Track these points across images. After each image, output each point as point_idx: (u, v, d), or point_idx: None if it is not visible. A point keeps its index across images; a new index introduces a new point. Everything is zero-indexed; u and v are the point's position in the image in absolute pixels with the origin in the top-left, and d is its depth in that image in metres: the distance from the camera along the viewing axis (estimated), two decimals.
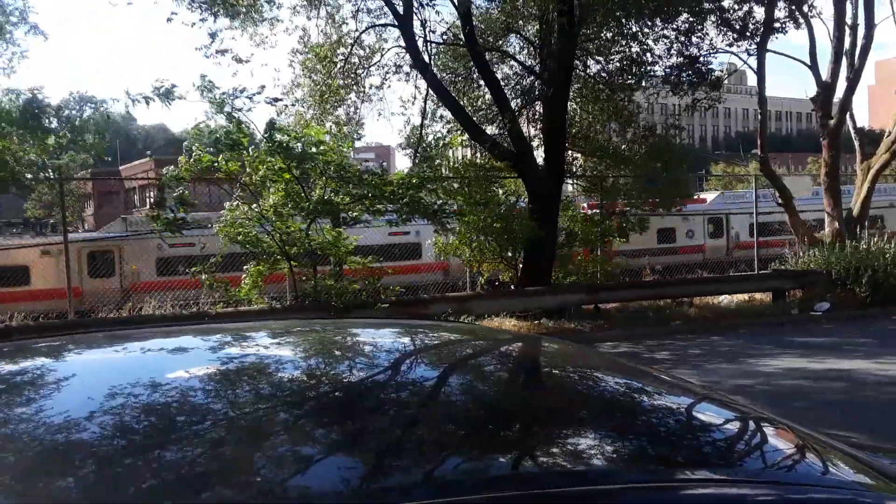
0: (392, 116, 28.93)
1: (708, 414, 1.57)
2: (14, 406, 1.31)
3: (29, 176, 12.22)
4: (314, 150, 11.08)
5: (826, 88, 16.54)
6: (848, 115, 17.29)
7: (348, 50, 14.89)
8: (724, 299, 14.73)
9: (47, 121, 10.46)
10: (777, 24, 16.07)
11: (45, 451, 1.09)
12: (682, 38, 14.84)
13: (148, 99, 10.47)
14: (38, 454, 1.08)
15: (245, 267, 11.45)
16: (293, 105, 14.66)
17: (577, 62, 14.60)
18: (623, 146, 15.94)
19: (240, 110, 10.92)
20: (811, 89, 16.75)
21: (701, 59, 15.23)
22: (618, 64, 15.24)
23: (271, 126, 11.08)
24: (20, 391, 1.43)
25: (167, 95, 10.51)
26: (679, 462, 1.24)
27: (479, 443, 1.21)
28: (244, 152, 10.96)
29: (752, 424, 1.56)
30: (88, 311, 13.52)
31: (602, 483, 1.06)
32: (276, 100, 12.93)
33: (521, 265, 13.78)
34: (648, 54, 14.81)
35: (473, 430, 1.27)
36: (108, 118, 11.45)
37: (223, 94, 10.91)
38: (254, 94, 11.04)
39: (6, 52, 12.53)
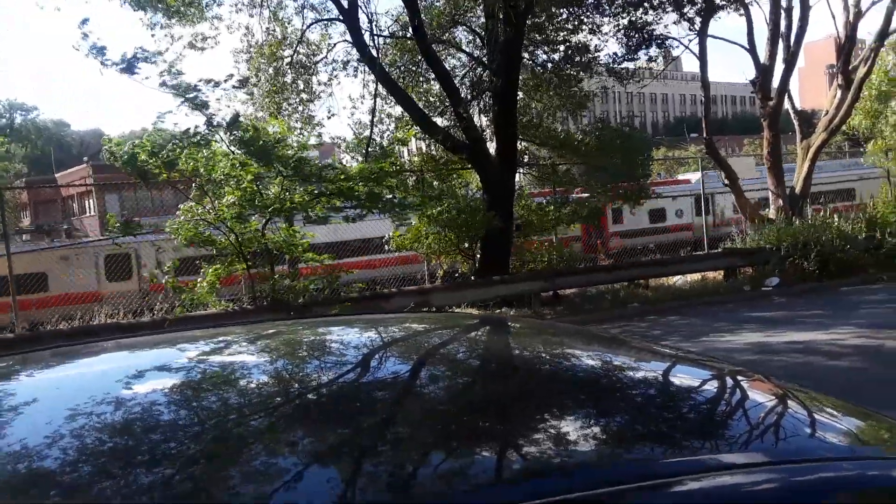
0: (342, 111, 28.57)
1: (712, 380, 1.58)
2: None
3: None
4: (275, 146, 10.86)
5: (765, 71, 16.99)
6: (786, 97, 17.80)
7: (294, 47, 14.67)
8: (679, 279, 15.04)
9: None
10: (719, 2, 16.42)
11: (5, 481, 1.00)
12: (626, 21, 15.07)
13: (117, 64, 10.17)
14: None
15: (201, 270, 11.17)
16: (244, 103, 14.38)
17: (525, 52, 14.67)
18: (576, 135, 16.10)
19: (200, 104, 10.62)
20: (747, 73, 17.23)
21: (644, 33, 15.51)
22: (564, 52, 15.38)
23: (235, 120, 10.81)
24: None
25: (129, 69, 10.24)
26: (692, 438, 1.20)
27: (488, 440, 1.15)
28: (203, 149, 10.67)
29: (765, 389, 1.56)
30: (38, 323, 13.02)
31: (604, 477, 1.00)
32: (244, 82, 12.61)
33: (478, 256, 13.81)
34: (593, 40, 15.02)
35: (478, 426, 1.21)
36: (41, 126, 11.06)
37: (186, 85, 10.64)
38: (219, 83, 10.78)
39: None
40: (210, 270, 10.89)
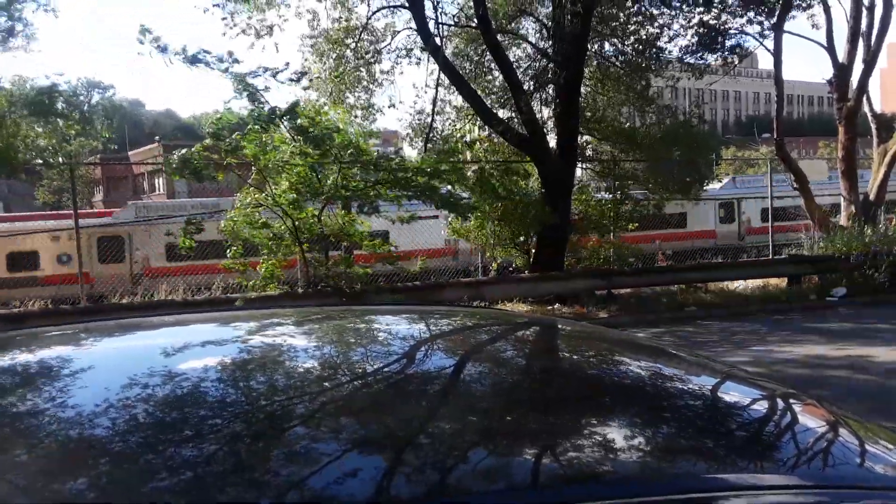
0: (404, 101, 28.75)
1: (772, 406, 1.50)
2: (29, 398, 1.26)
3: (40, 161, 12.20)
4: (334, 134, 10.97)
5: (842, 70, 16.33)
6: (864, 98, 17.06)
7: (359, 33, 14.75)
8: (739, 285, 14.61)
9: (59, 106, 10.44)
10: (797, 1, 15.85)
11: (61, 445, 1.04)
12: (699, 16, 14.66)
13: (178, 54, 10.47)
14: (55, 449, 1.04)
15: (263, 255, 11.38)
16: (306, 89, 14.53)
17: (591, 44, 14.42)
18: (640, 130, 15.74)
19: (263, 90, 10.83)
20: (824, 72, 16.59)
21: (718, 30, 15.06)
22: (633, 45, 15.06)
23: (293, 108, 10.96)
24: (37, 382, 1.37)
25: (193, 61, 10.54)
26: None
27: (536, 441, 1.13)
28: (265, 135, 10.86)
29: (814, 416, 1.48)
30: (100, 297, 13.51)
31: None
32: (303, 74, 12.79)
33: (533, 250, 13.69)
34: (665, 34, 14.65)
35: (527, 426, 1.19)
36: (117, 105, 11.49)
37: (246, 73, 10.86)
38: (278, 72, 10.96)
39: (17, 34, 12.35)
40: (266, 262, 11.05)
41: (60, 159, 13.08)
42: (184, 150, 10.86)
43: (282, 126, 11.07)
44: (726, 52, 15.86)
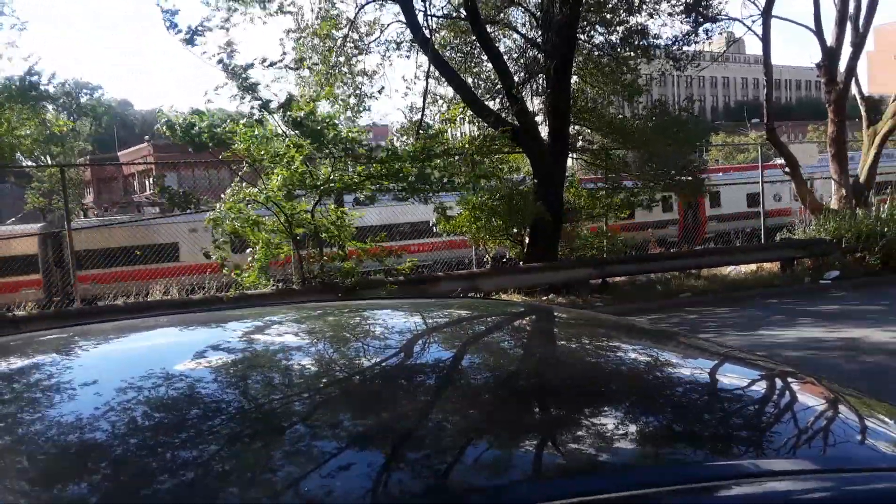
0: (394, 94, 28.59)
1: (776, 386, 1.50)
2: (26, 404, 1.25)
3: (30, 163, 12.12)
4: (327, 126, 10.95)
5: (831, 54, 16.35)
6: (853, 81, 17.11)
7: (347, 26, 14.67)
8: (733, 270, 14.66)
9: (45, 89, 10.40)
10: None
11: (60, 451, 1.04)
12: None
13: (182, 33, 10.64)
14: (54, 454, 1.03)
15: (248, 250, 11.35)
16: (296, 85, 14.46)
17: (581, 34, 14.40)
18: (632, 120, 15.72)
19: (251, 81, 10.83)
20: (813, 56, 16.63)
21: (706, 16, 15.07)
22: (622, 34, 15.03)
23: (289, 102, 10.95)
24: (33, 388, 1.35)
25: (190, 40, 10.60)
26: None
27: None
28: (257, 129, 10.83)
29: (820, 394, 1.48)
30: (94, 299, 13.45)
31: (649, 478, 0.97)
32: (300, 62, 12.82)
33: (527, 241, 13.69)
34: (652, 23, 14.62)
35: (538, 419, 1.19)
36: (105, 105, 11.53)
37: (242, 65, 10.88)
38: (273, 63, 10.98)
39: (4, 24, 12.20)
40: (258, 254, 11.03)
41: (49, 160, 13.01)
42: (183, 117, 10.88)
43: (273, 119, 11.04)
44: (711, 35, 15.86)
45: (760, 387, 1.48)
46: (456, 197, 12.92)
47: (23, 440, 1.08)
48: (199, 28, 11.13)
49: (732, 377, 1.51)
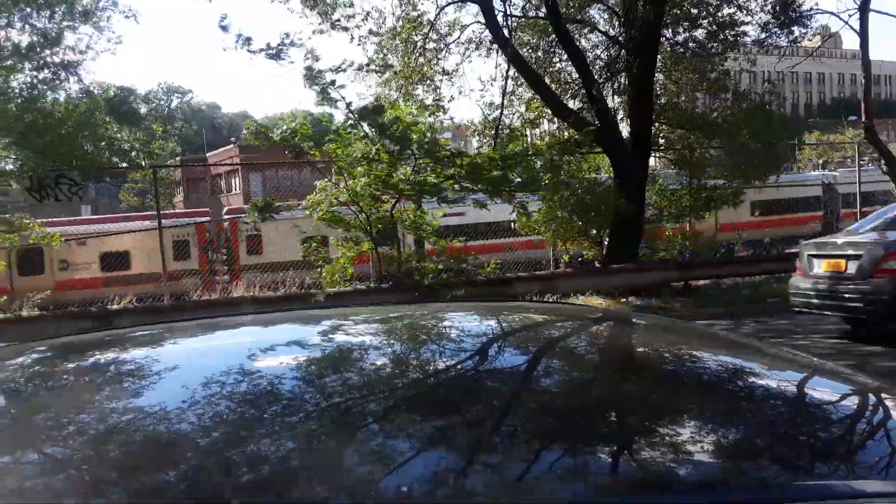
0: (471, 93, 28.71)
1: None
2: (116, 397, 1.29)
3: (125, 165, 12.75)
4: (409, 129, 11.12)
5: None
6: None
7: (428, 28, 14.77)
8: None
9: (141, 110, 10.97)
10: None
11: (148, 442, 1.07)
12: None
13: (264, 50, 10.88)
14: (142, 446, 1.06)
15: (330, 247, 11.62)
16: (379, 87, 14.69)
17: (664, 29, 14.05)
18: (715, 116, 15.23)
19: (336, 86, 11.12)
20: None
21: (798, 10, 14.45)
22: (707, 29, 14.59)
23: (377, 109, 11.19)
24: (125, 382, 1.41)
25: (278, 55, 10.95)
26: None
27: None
28: (342, 134, 11.12)
29: None
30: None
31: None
32: (387, 66, 13.11)
33: (605, 242, 13.46)
34: (741, 14, 14.11)
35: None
36: (195, 108, 12.11)
37: (322, 71, 11.19)
38: (358, 69, 11.22)
39: (100, 40, 12.81)
40: (342, 258, 11.26)
41: (143, 162, 13.63)
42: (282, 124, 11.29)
43: (361, 125, 11.28)
44: (806, 34, 15.18)
45: (851, 402, 1.39)
46: (536, 196, 12.83)
47: (108, 431, 1.12)
48: (283, 45, 11.43)
49: (821, 391, 1.43)
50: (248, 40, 11.29)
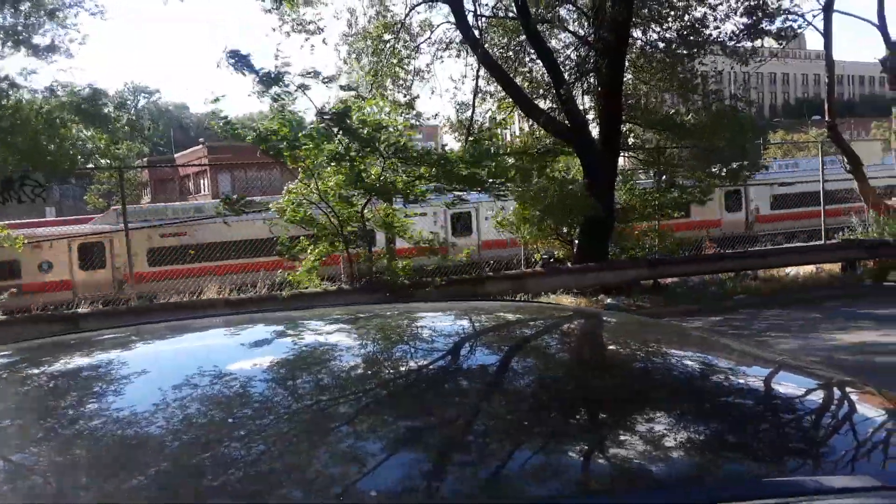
0: (444, 93, 28.58)
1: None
2: (84, 402, 1.28)
3: (90, 166, 12.55)
4: (379, 133, 11.11)
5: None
6: None
7: (398, 28, 14.75)
8: (791, 271, 14.24)
9: (106, 111, 10.77)
10: None
11: (117, 447, 1.06)
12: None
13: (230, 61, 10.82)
14: (111, 450, 1.05)
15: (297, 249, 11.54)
16: (347, 89, 14.62)
17: (634, 30, 14.17)
18: (685, 117, 15.39)
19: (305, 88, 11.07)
20: (876, 51, 16.07)
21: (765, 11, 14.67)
22: (677, 30, 14.74)
23: (345, 112, 11.13)
24: (91, 387, 1.39)
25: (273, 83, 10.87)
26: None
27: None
28: (313, 136, 11.06)
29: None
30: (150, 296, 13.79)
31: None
32: (349, 88, 13.19)
33: (576, 241, 13.55)
34: (709, 17, 14.28)
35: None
36: (163, 108, 11.97)
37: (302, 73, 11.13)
38: (328, 79, 11.20)
39: (64, 37, 12.56)
40: (311, 256, 11.20)
41: (109, 162, 13.41)
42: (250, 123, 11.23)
43: (331, 128, 11.24)
44: (773, 33, 15.41)
45: (817, 397, 1.41)
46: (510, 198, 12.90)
47: (81, 435, 1.10)
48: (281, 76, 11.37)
49: (786, 386, 1.45)
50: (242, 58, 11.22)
